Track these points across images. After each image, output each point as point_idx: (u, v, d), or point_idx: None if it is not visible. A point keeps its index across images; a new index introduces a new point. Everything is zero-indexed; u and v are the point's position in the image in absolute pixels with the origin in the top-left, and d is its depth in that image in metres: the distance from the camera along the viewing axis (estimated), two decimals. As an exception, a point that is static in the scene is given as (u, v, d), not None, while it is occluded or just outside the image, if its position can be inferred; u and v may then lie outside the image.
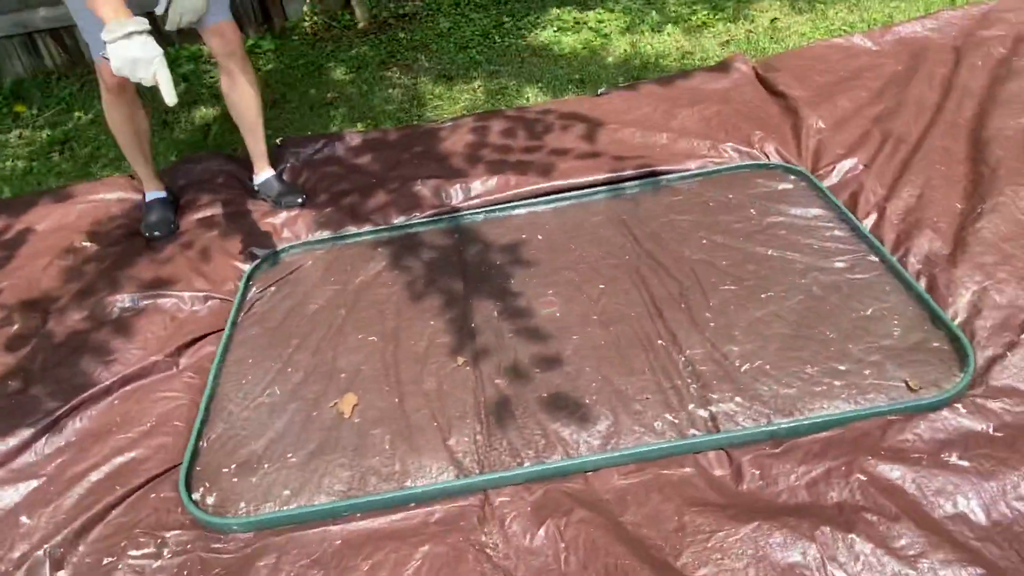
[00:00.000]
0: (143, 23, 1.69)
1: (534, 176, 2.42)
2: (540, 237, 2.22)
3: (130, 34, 1.67)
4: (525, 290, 2.02)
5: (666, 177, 2.33)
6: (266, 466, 1.68)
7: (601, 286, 1.99)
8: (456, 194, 2.43)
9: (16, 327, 2.18)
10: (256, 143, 2.56)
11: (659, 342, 1.77)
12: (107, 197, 2.73)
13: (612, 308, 1.90)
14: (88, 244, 2.47)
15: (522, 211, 2.35)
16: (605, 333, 1.83)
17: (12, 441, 1.79)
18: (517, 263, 2.13)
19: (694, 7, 3.36)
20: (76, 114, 3.38)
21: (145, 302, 2.19)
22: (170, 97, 1.66)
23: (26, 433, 1.80)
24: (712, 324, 1.79)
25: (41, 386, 1.95)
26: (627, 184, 2.33)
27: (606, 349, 1.78)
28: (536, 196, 2.37)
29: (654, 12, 3.37)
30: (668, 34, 3.19)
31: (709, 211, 2.17)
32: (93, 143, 3.17)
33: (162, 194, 2.59)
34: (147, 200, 2.58)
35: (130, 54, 1.66)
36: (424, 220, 2.36)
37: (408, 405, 1.75)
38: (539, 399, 1.70)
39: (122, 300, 2.19)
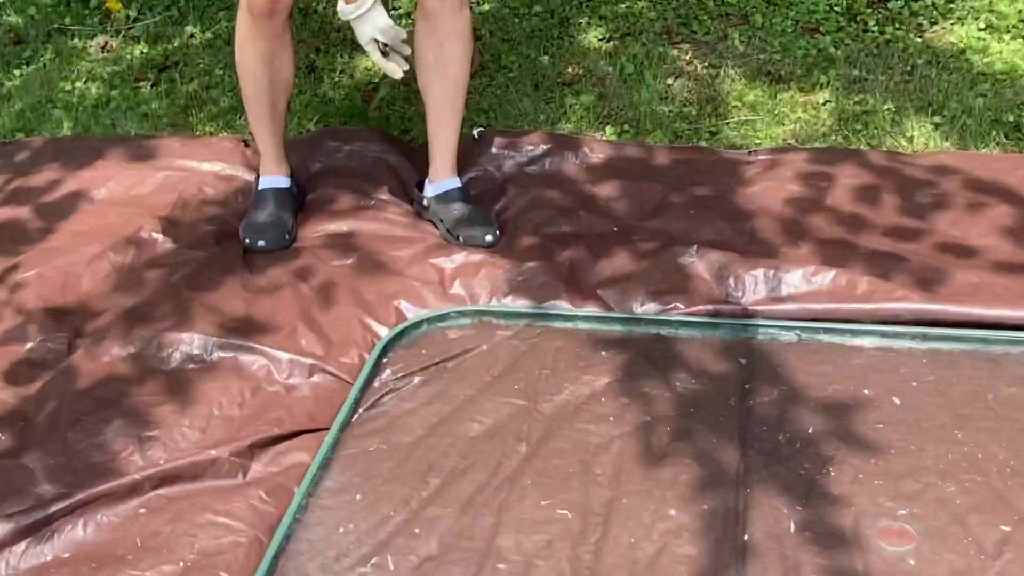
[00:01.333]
0: None
1: (904, 285, 2.23)
2: (897, 401, 2.01)
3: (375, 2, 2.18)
4: (853, 496, 1.82)
5: None
6: None
7: (1006, 528, 1.73)
8: (754, 285, 2.30)
9: (30, 346, 2.27)
10: (444, 130, 2.55)
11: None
12: (203, 167, 2.83)
13: None
14: (160, 237, 2.56)
15: (870, 343, 2.17)
16: (1000, 625, 1.57)
17: (-21, 535, 1.82)
18: (847, 440, 1.94)
19: None
20: (188, 29, 3.58)
21: (221, 353, 2.20)
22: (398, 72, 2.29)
23: (1, 528, 1.82)
24: None
25: (41, 454, 1.99)
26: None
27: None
28: (901, 321, 2.18)
29: None
30: None
31: None
32: (202, 78, 3.32)
33: (283, 182, 2.64)
34: (260, 187, 2.64)
35: (382, 24, 2.23)
36: (690, 320, 2.24)
37: (607, 657, 1.60)
38: None
39: (189, 342, 2.22)
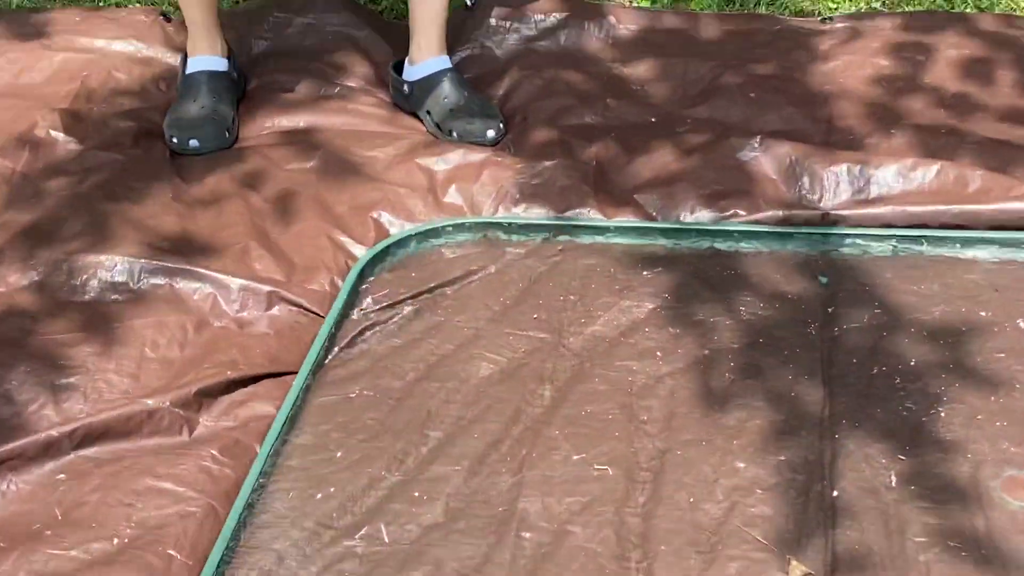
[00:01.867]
0: None
1: (1031, 178, 2.30)
2: (1023, 325, 2.08)
3: None
4: (969, 441, 1.89)
5: None
6: None
7: None
8: (836, 185, 2.36)
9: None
10: (427, 10, 2.59)
11: None
12: (112, 47, 2.86)
13: None
14: (61, 136, 2.59)
15: (987, 254, 2.24)
16: None
17: None
18: (959, 373, 2.00)
19: None
20: None
21: (151, 280, 2.24)
22: None
23: None
24: None
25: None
26: None
27: None
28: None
29: None
30: None
31: None
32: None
33: (220, 64, 2.68)
34: (188, 71, 2.68)
35: None
36: (754, 229, 2.30)
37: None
38: None
39: (109, 267, 2.25)
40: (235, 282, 2.23)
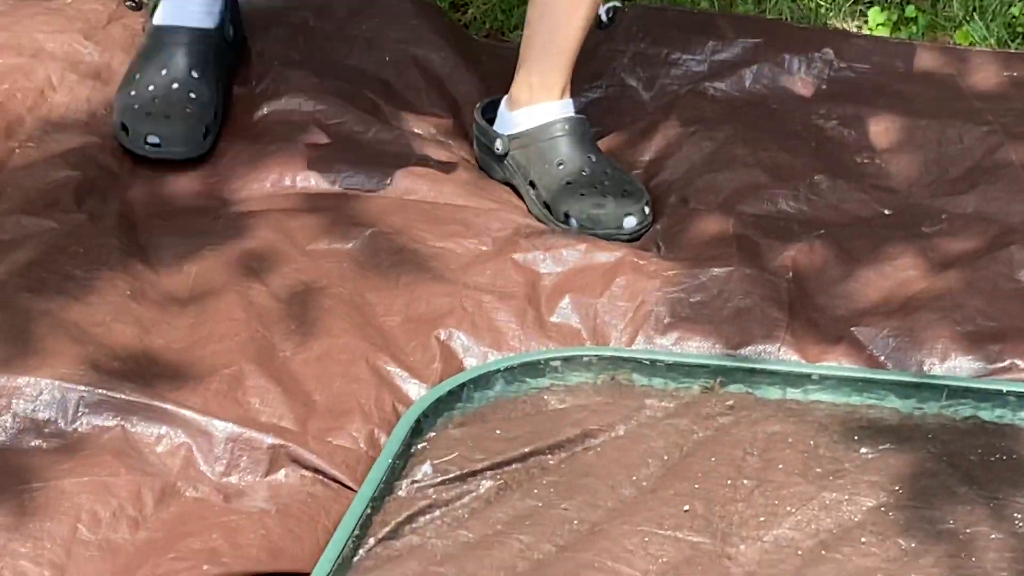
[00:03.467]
0: None
1: None
2: None
3: None
4: None
5: None
6: None
7: None
8: None
9: None
10: (556, 5, 2.66)
11: None
12: (48, 48, 2.91)
13: None
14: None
15: None
16: None
17: None
18: None
19: None
20: None
21: (93, 419, 2.26)
22: None
23: None
24: None
25: None
26: None
27: None
28: None
29: None
30: None
31: None
32: None
33: (207, 18, 2.76)
34: (158, 22, 2.77)
35: None
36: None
37: None
38: None
39: (31, 395, 2.27)
40: (221, 428, 2.25)
